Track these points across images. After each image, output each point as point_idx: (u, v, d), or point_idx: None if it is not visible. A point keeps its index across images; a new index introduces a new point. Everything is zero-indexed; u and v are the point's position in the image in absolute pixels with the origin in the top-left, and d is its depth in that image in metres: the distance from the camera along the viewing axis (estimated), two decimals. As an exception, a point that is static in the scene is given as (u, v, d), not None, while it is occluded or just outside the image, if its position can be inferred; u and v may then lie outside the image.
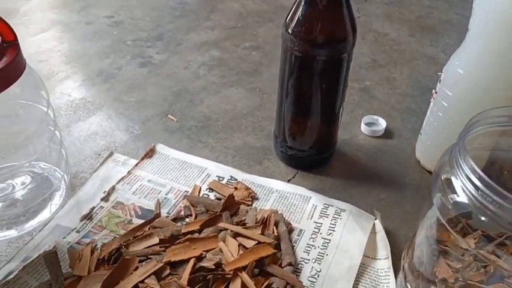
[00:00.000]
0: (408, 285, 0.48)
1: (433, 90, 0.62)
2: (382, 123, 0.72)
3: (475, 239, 0.46)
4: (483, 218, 0.38)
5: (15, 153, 0.58)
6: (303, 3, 0.53)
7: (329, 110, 0.60)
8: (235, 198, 0.59)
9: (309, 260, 0.53)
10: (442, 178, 0.42)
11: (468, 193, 0.39)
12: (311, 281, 0.51)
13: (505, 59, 0.54)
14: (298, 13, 0.54)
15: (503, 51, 0.54)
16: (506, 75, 0.55)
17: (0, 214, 0.55)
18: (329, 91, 0.58)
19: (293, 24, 0.54)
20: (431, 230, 0.46)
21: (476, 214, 0.39)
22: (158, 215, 0.56)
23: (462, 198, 0.40)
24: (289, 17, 0.55)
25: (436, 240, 0.47)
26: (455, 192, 0.40)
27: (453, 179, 0.41)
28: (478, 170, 0.37)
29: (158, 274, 0.47)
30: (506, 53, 0.54)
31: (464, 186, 0.39)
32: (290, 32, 0.54)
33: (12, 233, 0.54)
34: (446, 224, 0.43)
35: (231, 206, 0.57)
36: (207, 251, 0.50)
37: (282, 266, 0.51)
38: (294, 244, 0.54)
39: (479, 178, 0.37)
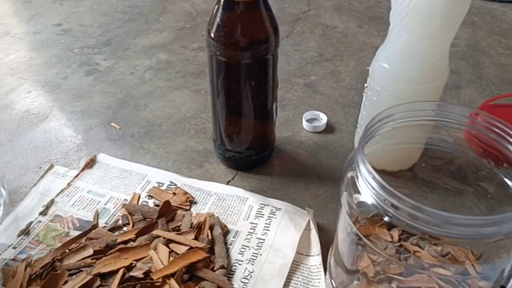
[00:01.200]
0: (332, 281, 0.49)
1: (365, 84, 0.63)
2: (323, 119, 0.73)
3: (399, 231, 0.48)
4: (386, 219, 0.39)
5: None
6: (221, 8, 0.54)
7: (262, 111, 0.61)
8: (174, 203, 0.60)
9: (242, 261, 0.54)
10: (348, 176, 0.43)
11: (369, 194, 0.40)
12: (244, 282, 0.52)
13: (425, 52, 0.55)
14: (218, 18, 0.54)
15: (423, 45, 0.55)
16: (427, 68, 0.56)
17: None
18: (259, 92, 0.59)
19: (214, 29, 0.54)
20: (350, 225, 0.47)
21: (378, 213, 0.40)
22: (95, 226, 0.57)
23: (365, 197, 0.41)
24: (210, 22, 0.55)
25: (358, 235, 0.48)
26: (359, 192, 0.41)
27: (357, 179, 0.42)
28: (374, 172, 0.38)
29: (88, 287, 0.48)
30: (425, 46, 0.55)
31: (366, 186, 0.40)
32: (212, 37, 0.55)
33: None
34: (365, 220, 0.44)
35: (167, 212, 0.58)
36: (138, 260, 0.51)
37: (215, 269, 0.52)
38: (229, 246, 0.55)
39: (376, 181, 0.38)
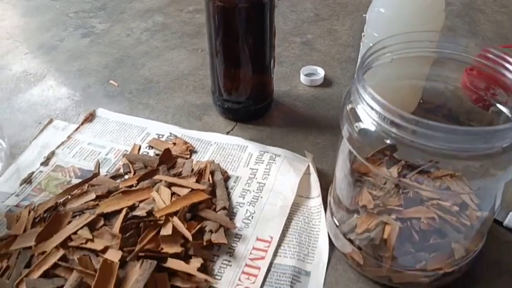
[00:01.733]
0: (333, 217, 0.50)
1: (362, 34, 0.64)
2: (321, 73, 0.74)
3: (398, 169, 0.48)
4: (388, 141, 0.40)
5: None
6: (218, -51, 0.53)
7: (259, 59, 0.61)
8: (174, 152, 0.60)
9: (244, 203, 0.54)
10: (347, 108, 0.44)
11: (371, 119, 0.40)
12: (245, 223, 0.52)
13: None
14: (215, -39, 0.54)
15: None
16: (422, 10, 0.56)
17: None
18: (256, 40, 0.59)
19: (211, -27, 0.54)
20: (347, 164, 0.48)
21: (380, 138, 0.40)
22: (96, 174, 0.57)
23: (366, 124, 0.41)
24: (207, -35, 0.55)
25: (357, 172, 0.49)
26: (360, 120, 0.42)
27: (357, 108, 0.42)
28: (376, 95, 0.39)
29: (91, 226, 0.49)
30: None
31: (366, 113, 0.41)
32: (209, -20, 0.55)
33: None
34: (363, 159, 0.44)
35: (167, 159, 0.58)
36: (141, 201, 0.51)
37: (216, 210, 0.52)
38: (230, 191, 0.56)
39: (377, 102, 0.39)
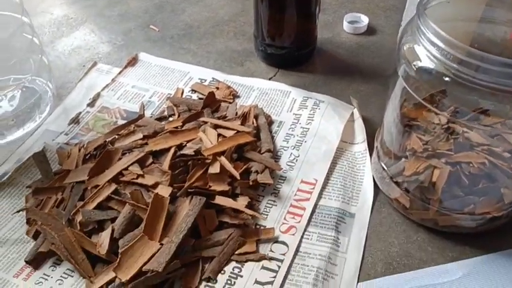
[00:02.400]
0: (381, 162, 0.50)
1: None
2: (364, 20, 0.72)
3: (448, 114, 0.47)
4: (446, 79, 0.39)
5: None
6: None
7: (305, 4, 0.60)
8: (217, 97, 0.60)
9: (287, 147, 0.55)
10: (405, 48, 0.42)
11: (430, 56, 0.39)
12: (290, 165, 0.53)
13: None
14: None
15: None
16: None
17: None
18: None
19: None
20: (397, 109, 0.47)
21: (439, 76, 0.39)
22: (142, 116, 0.58)
23: (425, 63, 0.40)
24: None
25: (406, 117, 0.48)
26: (418, 59, 0.41)
27: (415, 46, 0.41)
28: (438, 29, 0.37)
29: (141, 163, 0.50)
30: None
31: (426, 50, 0.40)
32: None
33: (5, 139, 0.57)
34: (420, 99, 0.43)
35: (211, 103, 0.59)
36: (188, 141, 0.52)
37: (261, 152, 0.53)
38: (273, 135, 0.56)
39: (440, 36, 0.38)
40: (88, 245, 0.44)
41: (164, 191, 0.47)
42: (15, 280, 0.44)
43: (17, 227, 0.48)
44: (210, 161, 0.49)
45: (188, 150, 0.50)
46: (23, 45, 0.59)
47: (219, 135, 0.53)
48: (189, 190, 0.47)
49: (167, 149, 0.51)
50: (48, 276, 0.44)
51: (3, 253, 0.46)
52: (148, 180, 0.48)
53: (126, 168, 0.49)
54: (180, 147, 0.51)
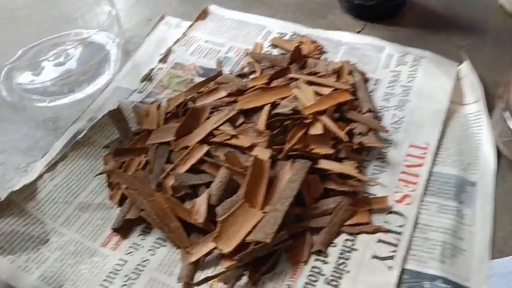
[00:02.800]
0: (508, 123, 0.43)
1: None
2: (458, -31, 0.64)
3: None
4: None
5: (61, 20, 0.54)
6: None
7: None
8: (302, 52, 0.54)
9: (389, 107, 0.49)
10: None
11: None
12: (395, 128, 0.47)
13: None
14: None
15: None
16: None
17: (58, 79, 0.53)
18: None
19: None
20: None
21: None
22: (220, 73, 0.52)
23: None
24: None
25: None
26: None
27: None
28: None
29: (232, 123, 0.44)
30: None
31: None
32: None
33: (75, 96, 0.52)
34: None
35: (298, 58, 0.53)
36: (281, 99, 0.46)
37: (362, 112, 0.47)
38: (370, 94, 0.50)
39: None
40: (182, 212, 0.40)
41: (263, 153, 0.41)
42: (103, 250, 0.39)
43: (97, 190, 0.43)
44: (309, 120, 0.44)
45: (284, 109, 0.45)
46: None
47: (315, 93, 0.47)
48: (290, 153, 0.42)
49: (260, 108, 0.45)
50: (139, 245, 0.40)
51: (87, 219, 0.41)
52: (243, 141, 0.42)
53: (217, 128, 0.44)
54: (273, 105, 0.46)
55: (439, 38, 0.56)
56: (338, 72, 0.50)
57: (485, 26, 0.57)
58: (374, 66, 0.53)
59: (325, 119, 0.43)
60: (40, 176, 0.43)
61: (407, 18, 0.59)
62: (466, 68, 0.51)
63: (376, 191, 0.42)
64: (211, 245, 0.38)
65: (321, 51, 0.55)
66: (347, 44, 0.56)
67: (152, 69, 0.55)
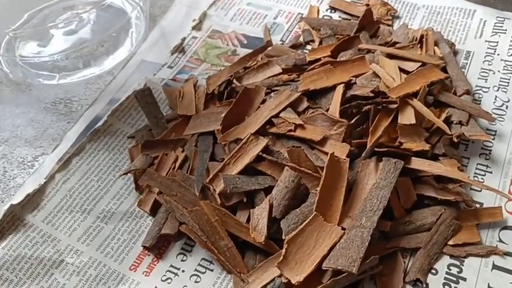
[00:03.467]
0: None
1: None
2: None
3: None
4: None
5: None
6: None
7: None
8: (370, 17, 0.44)
9: (488, 88, 0.38)
10: None
11: None
12: (498, 114, 0.37)
13: None
14: None
15: None
16: None
17: (71, 50, 0.43)
18: None
19: None
20: None
21: None
22: (270, 43, 0.42)
23: None
24: None
25: None
26: None
27: None
28: None
29: (293, 108, 0.35)
30: None
31: None
32: None
33: (91, 71, 0.42)
34: None
35: (368, 25, 0.42)
36: (355, 76, 0.36)
37: (458, 94, 0.37)
38: (462, 70, 0.40)
39: None
40: (235, 227, 0.30)
41: (340, 149, 0.32)
42: (133, 275, 0.30)
43: (122, 194, 0.34)
44: (396, 105, 0.34)
45: (361, 90, 0.34)
46: None
47: (399, 69, 0.37)
48: (375, 149, 0.32)
49: (331, 88, 0.35)
50: (179, 269, 0.31)
51: (110, 233, 0.32)
52: (312, 132, 0.33)
53: (277, 115, 0.34)
54: (347, 85, 0.35)
55: (541, 0, 0.45)
56: (420, 43, 0.40)
57: None
58: (462, 36, 0.42)
59: (417, 103, 0.33)
60: (51, 177, 0.34)
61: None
62: None
63: (483, 199, 0.32)
64: (274, 272, 0.29)
65: (394, 16, 0.44)
66: (426, 7, 0.45)
67: (184, 38, 0.45)
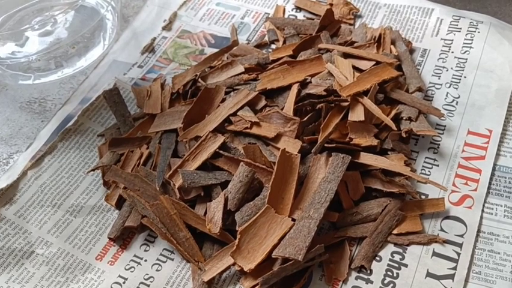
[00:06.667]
0: None
1: None
2: None
3: None
4: None
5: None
6: None
7: None
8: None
9: (441, 84, 0.40)
10: None
11: None
12: (448, 110, 0.39)
13: None
14: None
15: None
16: None
17: (45, 52, 0.45)
18: None
19: None
20: None
21: None
22: (236, 42, 0.44)
23: None
24: None
25: None
26: None
27: None
28: None
29: (251, 106, 0.37)
30: None
31: None
32: None
33: (64, 72, 0.44)
34: None
35: (329, 24, 0.44)
36: (311, 76, 0.38)
37: (410, 91, 0.39)
38: (418, 67, 0.42)
39: None
40: (193, 219, 0.32)
41: (292, 145, 0.34)
42: (99, 264, 0.33)
43: (91, 189, 0.36)
44: (348, 103, 0.35)
45: (315, 89, 0.36)
46: None
47: (353, 67, 0.39)
48: (325, 145, 0.34)
49: (287, 87, 0.37)
50: (141, 258, 0.33)
51: (79, 225, 0.34)
52: (267, 130, 0.35)
53: (234, 113, 0.36)
54: (303, 84, 0.37)
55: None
56: (378, 41, 0.42)
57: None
58: (420, 34, 0.44)
59: (367, 101, 0.35)
60: (24, 174, 0.36)
61: (458, -26, 0.49)
62: (535, 35, 0.42)
63: (428, 190, 0.35)
64: (228, 261, 0.31)
65: (356, 15, 0.46)
66: (387, 6, 0.46)
67: (155, 38, 0.46)
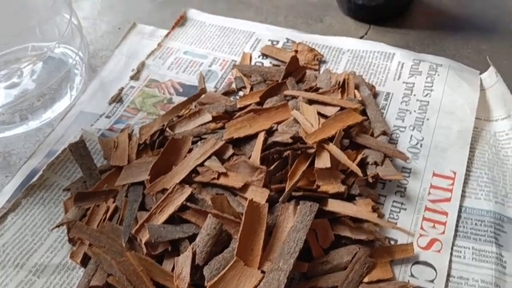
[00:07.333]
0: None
1: None
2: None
3: None
4: None
5: (16, 34, 0.46)
6: None
7: None
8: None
9: (405, 127, 0.41)
10: None
11: None
12: (413, 152, 0.39)
13: None
14: None
15: None
16: None
17: (10, 105, 0.44)
18: None
19: None
20: None
21: None
22: (204, 90, 0.44)
23: None
24: None
25: None
26: None
27: None
28: None
29: (219, 156, 0.37)
30: None
31: None
32: None
33: (29, 125, 0.44)
34: None
35: (295, 70, 0.45)
36: (278, 123, 0.39)
37: (375, 136, 0.39)
38: (382, 111, 0.43)
39: None
40: (161, 276, 0.32)
41: (260, 194, 0.34)
42: (62, 327, 0.31)
43: (56, 247, 0.35)
44: (314, 150, 0.36)
45: (281, 137, 0.37)
46: (46, 2, 0.45)
47: (318, 113, 0.39)
48: (292, 193, 0.34)
49: (253, 136, 0.37)
50: (108, 319, 0.32)
51: (42, 286, 0.33)
52: (234, 180, 0.35)
53: (201, 164, 0.36)
54: (269, 132, 0.38)
55: (455, 41, 0.49)
56: (342, 87, 0.43)
57: (508, 27, 0.50)
58: (383, 78, 0.45)
59: (333, 147, 0.36)
60: (-15, 235, 0.35)
61: (416, 20, 0.51)
62: (491, 76, 0.43)
63: (397, 235, 0.35)
64: (198, 318, 0.30)
65: (321, 61, 0.47)
66: (350, 51, 0.48)
67: (123, 88, 0.46)
